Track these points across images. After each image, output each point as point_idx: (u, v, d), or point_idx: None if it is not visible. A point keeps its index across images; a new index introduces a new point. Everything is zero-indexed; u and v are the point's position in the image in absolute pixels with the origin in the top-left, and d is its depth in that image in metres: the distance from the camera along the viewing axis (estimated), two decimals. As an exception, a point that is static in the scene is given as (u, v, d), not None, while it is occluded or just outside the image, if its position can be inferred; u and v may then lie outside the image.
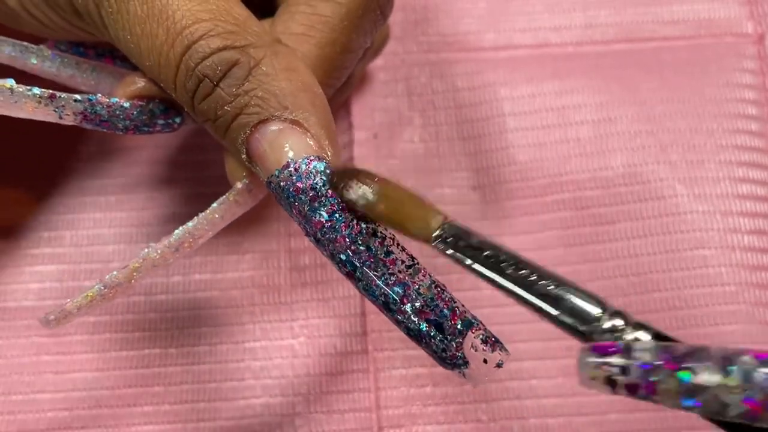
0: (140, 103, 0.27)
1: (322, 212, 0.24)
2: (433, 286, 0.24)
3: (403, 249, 0.24)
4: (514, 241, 0.35)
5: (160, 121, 0.27)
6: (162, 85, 0.25)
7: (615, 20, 0.39)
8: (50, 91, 0.25)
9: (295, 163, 0.24)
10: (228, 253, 0.36)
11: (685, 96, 0.37)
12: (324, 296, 0.35)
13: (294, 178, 0.24)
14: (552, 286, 0.23)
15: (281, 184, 0.24)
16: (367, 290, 0.23)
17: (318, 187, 0.24)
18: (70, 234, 0.36)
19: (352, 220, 0.24)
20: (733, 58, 0.38)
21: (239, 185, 0.26)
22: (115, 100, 0.26)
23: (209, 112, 0.24)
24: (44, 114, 0.25)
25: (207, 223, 0.26)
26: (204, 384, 0.34)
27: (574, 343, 0.34)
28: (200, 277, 0.35)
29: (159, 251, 0.26)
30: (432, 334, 0.23)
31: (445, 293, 0.24)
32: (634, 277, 0.34)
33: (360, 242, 0.23)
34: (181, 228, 0.26)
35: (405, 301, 0.23)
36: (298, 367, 0.34)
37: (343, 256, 0.23)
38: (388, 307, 0.23)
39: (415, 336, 0.23)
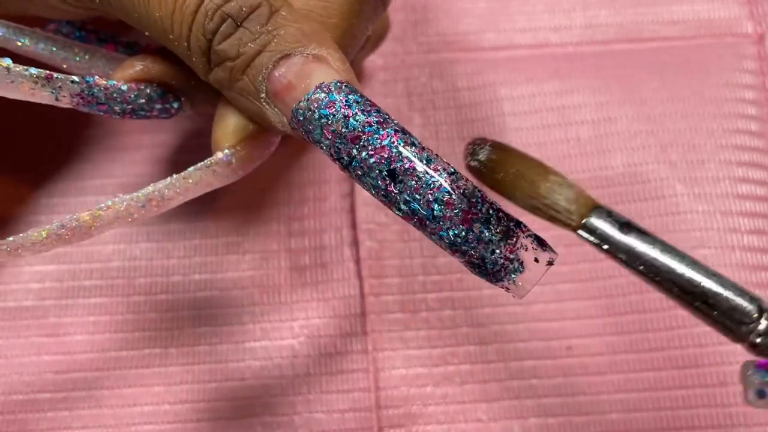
0: (138, 86, 0.27)
1: (357, 126, 0.23)
2: (476, 190, 0.23)
3: (442, 158, 0.23)
4: (514, 241, 0.35)
5: (158, 106, 0.27)
6: (170, 36, 0.25)
7: (615, 20, 0.39)
8: (47, 71, 0.25)
9: (327, 85, 0.24)
10: (228, 253, 0.36)
11: (685, 96, 0.37)
12: (324, 296, 0.35)
13: (328, 97, 0.24)
14: (709, 279, 0.23)
15: (312, 107, 0.24)
16: (408, 202, 0.23)
17: (351, 103, 0.23)
18: (71, 234, 0.36)
19: (389, 131, 0.23)
20: (733, 58, 0.38)
21: (220, 155, 0.26)
22: (112, 82, 0.26)
23: (230, 50, 0.24)
24: (40, 95, 0.25)
25: (179, 186, 0.25)
26: (204, 384, 0.34)
27: (574, 343, 0.34)
28: (200, 277, 0.35)
29: (124, 203, 0.25)
30: (481, 236, 0.22)
31: (487, 196, 0.23)
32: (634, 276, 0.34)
33: (401, 150, 0.23)
34: (151, 185, 0.25)
35: (450, 204, 0.23)
36: (299, 367, 0.34)
37: (383, 167, 0.23)
38: (432, 214, 0.23)
39: (461, 244, 0.23)
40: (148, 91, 0.27)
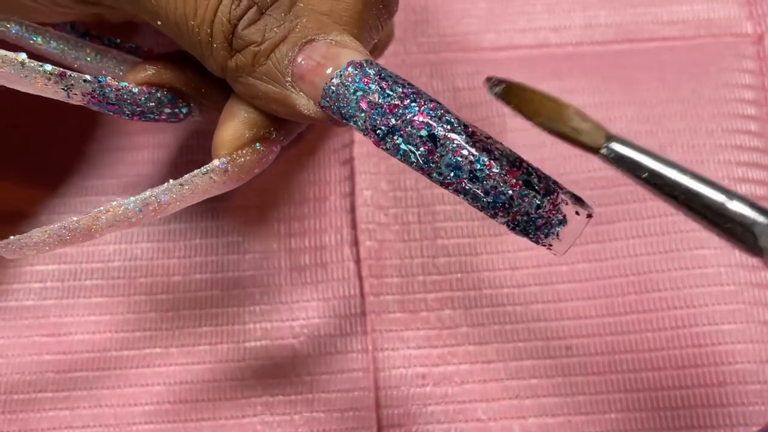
0: (149, 90, 0.27)
1: (394, 96, 0.24)
2: (513, 151, 0.24)
3: (476, 126, 0.24)
4: (514, 240, 0.35)
5: (167, 110, 0.28)
6: (191, 22, 0.26)
7: (615, 20, 0.39)
8: (61, 69, 0.25)
9: (358, 62, 0.25)
10: (228, 252, 0.36)
11: (684, 96, 0.37)
12: (324, 296, 0.35)
13: (361, 71, 0.24)
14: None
15: (346, 82, 0.24)
16: (450, 165, 0.23)
17: (384, 76, 0.24)
18: (72, 234, 0.36)
19: (425, 100, 0.24)
20: (732, 58, 0.38)
21: (216, 162, 0.26)
22: (124, 84, 0.26)
23: (256, 35, 0.25)
24: (53, 91, 0.25)
25: (176, 192, 0.26)
26: (205, 383, 0.34)
27: (574, 342, 0.34)
28: (201, 277, 0.35)
29: (122, 207, 0.25)
30: (524, 192, 0.23)
31: (524, 158, 0.24)
32: (634, 276, 0.35)
33: (439, 117, 0.24)
34: (149, 190, 0.26)
35: (491, 164, 0.23)
36: (299, 367, 0.34)
37: (425, 132, 0.23)
38: (474, 174, 0.23)
39: (505, 202, 0.23)
40: (158, 95, 0.27)
